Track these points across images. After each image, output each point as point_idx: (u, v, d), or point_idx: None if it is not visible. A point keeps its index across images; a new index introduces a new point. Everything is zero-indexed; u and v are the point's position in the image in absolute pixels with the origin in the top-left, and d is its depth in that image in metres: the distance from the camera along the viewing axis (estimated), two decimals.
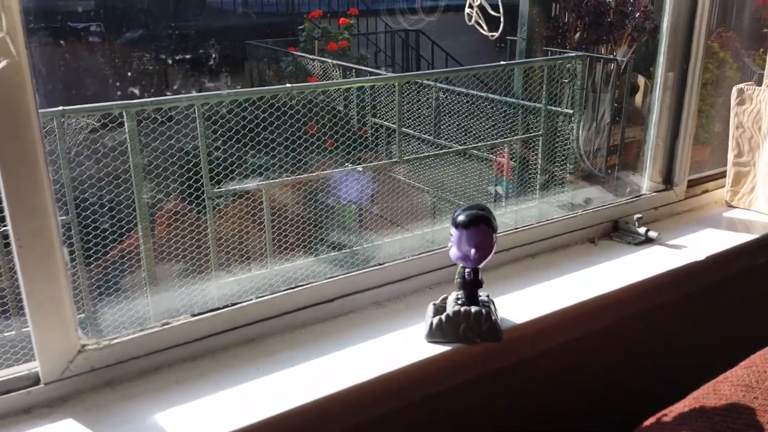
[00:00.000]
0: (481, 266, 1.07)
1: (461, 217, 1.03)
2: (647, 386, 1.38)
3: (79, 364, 0.97)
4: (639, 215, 1.47)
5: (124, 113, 3.10)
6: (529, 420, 1.28)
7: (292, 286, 1.13)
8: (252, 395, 0.97)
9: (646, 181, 1.64)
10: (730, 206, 1.68)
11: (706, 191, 1.70)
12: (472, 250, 1.02)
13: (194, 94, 3.60)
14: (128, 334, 1.00)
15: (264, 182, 3.54)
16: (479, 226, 1.02)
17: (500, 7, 1.01)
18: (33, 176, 0.87)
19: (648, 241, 1.45)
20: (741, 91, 1.60)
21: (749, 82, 1.60)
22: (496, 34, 1.01)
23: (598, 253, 1.41)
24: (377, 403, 1.04)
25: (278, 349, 1.07)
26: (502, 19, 1.02)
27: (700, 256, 1.40)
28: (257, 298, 1.10)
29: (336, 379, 1.00)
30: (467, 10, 0.99)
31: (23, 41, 0.80)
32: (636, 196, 1.57)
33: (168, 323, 1.03)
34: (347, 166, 4.12)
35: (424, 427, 1.13)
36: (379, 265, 1.21)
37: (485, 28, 1.01)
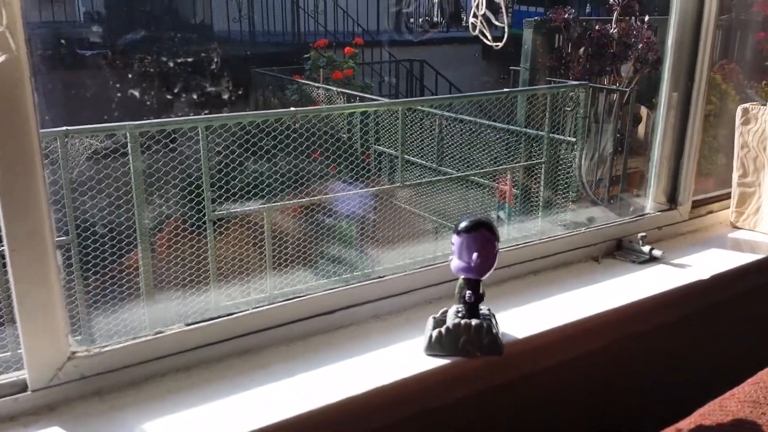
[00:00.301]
0: (483, 278, 1.05)
1: (463, 224, 1.01)
2: (648, 405, 1.35)
3: (69, 371, 0.94)
4: (643, 234, 1.45)
5: (128, 134, 3.11)
6: None
7: (290, 297, 1.11)
8: (245, 406, 0.95)
9: (650, 201, 1.63)
10: (735, 227, 1.66)
11: (711, 212, 1.69)
12: (474, 255, 1.00)
13: (198, 116, 3.61)
14: (120, 342, 0.98)
15: (265, 205, 3.53)
16: (480, 230, 1.00)
17: (505, 17, 1.01)
18: (29, 176, 0.86)
19: (652, 259, 1.43)
20: (746, 111, 1.59)
21: (754, 102, 1.60)
22: (500, 44, 1.00)
23: (601, 271, 1.39)
24: (374, 417, 1.01)
25: (274, 360, 1.05)
26: (506, 30, 1.01)
27: (705, 275, 1.37)
28: (253, 308, 1.07)
29: (331, 391, 0.97)
30: (471, 19, 0.99)
31: (23, 37, 0.80)
32: (640, 215, 1.55)
33: (161, 332, 1.00)
34: (350, 190, 4.11)
35: None
36: (380, 278, 1.19)
37: (489, 38, 1.01)
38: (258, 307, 1.07)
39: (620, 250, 1.47)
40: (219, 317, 1.04)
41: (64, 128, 2.98)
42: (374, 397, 0.99)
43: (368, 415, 1.00)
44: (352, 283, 1.16)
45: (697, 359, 1.47)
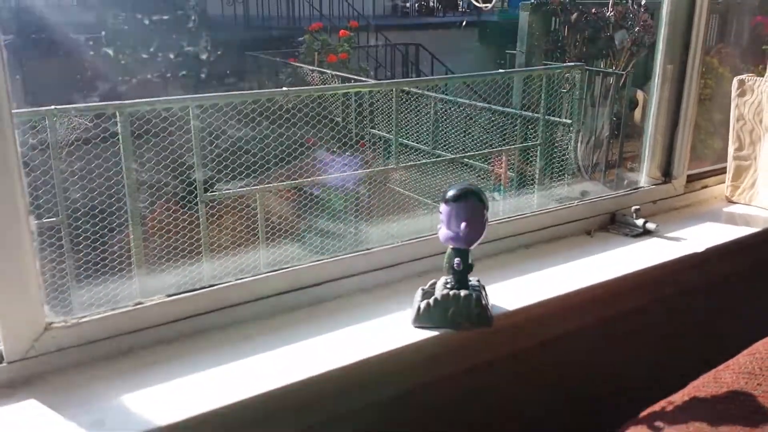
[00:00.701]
0: (472, 248, 1.02)
1: (451, 192, 0.99)
2: (643, 381, 1.33)
3: (46, 342, 0.91)
4: (637, 207, 1.43)
5: (117, 113, 3.07)
6: (522, 413, 1.23)
7: (275, 268, 1.08)
8: (226, 379, 0.92)
9: (644, 175, 1.60)
10: (731, 201, 1.63)
11: (706, 186, 1.66)
12: (463, 224, 0.97)
13: (189, 96, 3.58)
14: (98, 313, 0.95)
15: (258, 187, 3.50)
16: (469, 199, 0.98)
17: None
18: None
19: (646, 233, 1.40)
20: (742, 82, 1.57)
21: (750, 74, 1.57)
22: (489, 5, 0.96)
23: (594, 244, 1.37)
24: (360, 391, 0.98)
25: (257, 333, 1.02)
26: None
27: (700, 248, 1.35)
28: (237, 279, 1.05)
29: (315, 364, 0.95)
30: None
31: None
32: (634, 189, 1.53)
33: (141, 303, 0.98)
34: (343, 171, 4.08)
35: (411, 418, 1.08)
36: (367, 249, 1.17)
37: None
38: (241, 279, 1.05)
39: (614, 224, 1.44)
40: (201, 288, 1.02)
41: (53, 107, 2.94)
42: (360, 369, 0.96)
43: (354, 390, 0.98)
44: (339, 255, 1.13)
45: (693, 333, 1.46)
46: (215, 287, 1.02)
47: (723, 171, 1.67)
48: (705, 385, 0.97)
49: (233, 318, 1.03)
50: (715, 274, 1.43)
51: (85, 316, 0.94)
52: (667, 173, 1.58)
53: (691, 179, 1.63)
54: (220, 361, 0.95)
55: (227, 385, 0.90)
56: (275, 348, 0.99)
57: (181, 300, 1.00)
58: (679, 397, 0.96)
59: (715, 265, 1.41)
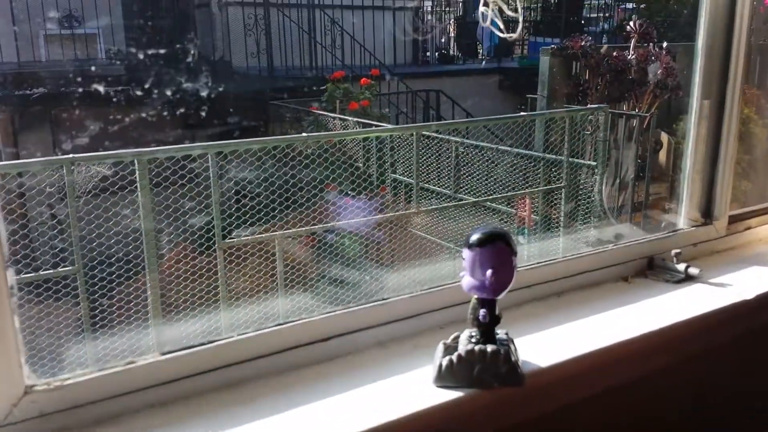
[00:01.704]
0: (499, 297, 0.92)
1: (475, 236, 0.89)
2: None
3: (25, 408, 0.82)
4: (677, 251, 1.32)
5: (135, 161, 3.04)
6: None
7: (281, 322, 0.99)
8: None
9: (682, 217, 1.49)
10: None
11: (749, 228, 1.54)
12: (489, 272, 0.87)
13: (208, 143, 3.56)
14: (85, 374, 0.86)
15: (278, 233, 3.42)
16: (496, 243, 0.88)
17: (518, 7, 0.90)
18: None
19: (688, 278, 1.29)
20: None
21: None
22: (514, 36, 0.89)
23: (632, 291, 1.25)
24: None
25: (260, 394, 0.92)
26: (520, 20, 0.90)
27: (749, 294, 1.23)
28: (239, 335, 0.95)
29: (325, 430, 0.84)
30: (482, 8, 0.88)
31: None
32: (672, 231, 1.42)
33: (133, 362, 0.88)
34: (364, 216, 4.00)
35: None
36: (383, 300, 1.07)
37: (502, 28, 0.90)
38: (244, 334, 0.95)
39: (652, 269, 1.33)
40: (199, 345, 0.92)
41: (70, 156, 2.92)
42: None
43: None
44: (352, 306, 1.04)
45: (745, 388, 1.32)
46: (215, 344, 0.93)
47: (767, 211, 1.56)
48: None
49: (234, 378, 0.94)
50: (765, 322, 1.30)
51: (69, 378, 0.85)
52: (707, 214, 1.46)
53: (733, 220, 1.51)
54: (219, 427, 0.85)
55: None
56: (280, 412, 0.89)
57: (176, 359, 0.90)
58: None
59: (766, 312, 1.28)
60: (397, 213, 4.36)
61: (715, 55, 1.43)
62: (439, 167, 5.16)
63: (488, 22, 0.94)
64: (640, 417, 1.18)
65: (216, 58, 9.55)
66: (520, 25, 0.94)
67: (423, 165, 5.10)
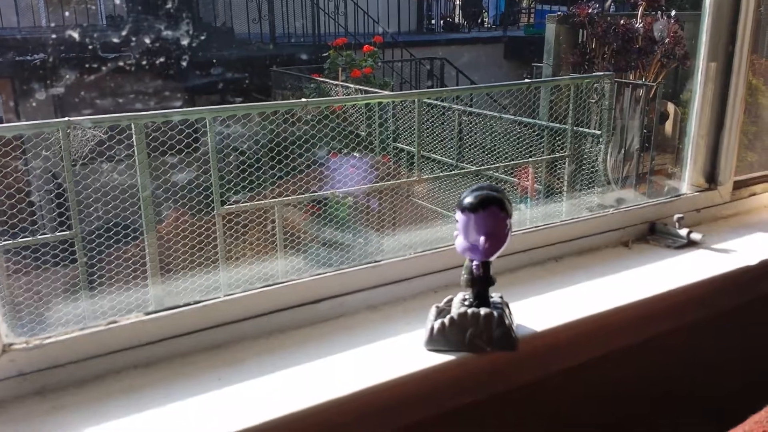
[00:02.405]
0: (492, 259, 0.89)
1: (468, 199, 0.85)
2: (690, 410, 1.18)
3: (4, 366, 0.80)
4: (680, 215, 1.28)
5: (132, 125, 3.00)
6: None
7: (270, 283, 0.96)
8: (211, 408, 0.80)
9: (686, 183, 1.45)
10: None
11: (754, 194, 1.51)
12: (482, 239, 0.84)
13: (205, 107, 3.51)
14: (66, 333, 0.84)
15: (276, 200, 3.39)
16: (489, 208, 0.84)
17: None
18: None
19: (690, 244, 1.25)
20: None
21: None
22: None
23: (633, 256, 1.22)
24: (364, 423, 0.85)
25: (248, 356, 0.90)
26: None
27: (753, 260, 1.20)
28: (226, 296, 0.93)
29: (313, 393, 0.82)
30: None
31: None
32: (675, 196, 1.38)
33: (115, 322, 0.86)
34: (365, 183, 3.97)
35: None
36: (375, 262, 1.04)
37: None
38: (231, 294, 0.93)
39: (654, 234, 1.29)
40: (184, 305, 0.90)
41: (66, 119, 2.88)
42: (364, 399, 0.84)
43: (357, 422, 0.85)
44: (343, 268, 1.01)
45: (747, 357, 1.30)
46: (201, 304, 0.91)
47: None
48: None
49: (221, 339, 0.91)
50: None
51: (50, 337, 0.83)
52: (711, 179, 1.43)
53: (737, 186, 1.47)
54: (204, 389, 0.83)
55: (212, 417, 0.78)
56: (268, 373, 0.86)
57: (160, 319, 0.88)
58: None
59: None
60: (399, 181, 4.32)
61: (723, 15, 1.38)
62: (442, 136, 5.10)
63: None
64: (637, 384, 1.16)
65: (218, 25, 9.44)
66: None
67: (426, 134, 5.05)
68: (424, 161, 4.94)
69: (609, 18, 6.49)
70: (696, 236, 1.25)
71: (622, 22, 6.39)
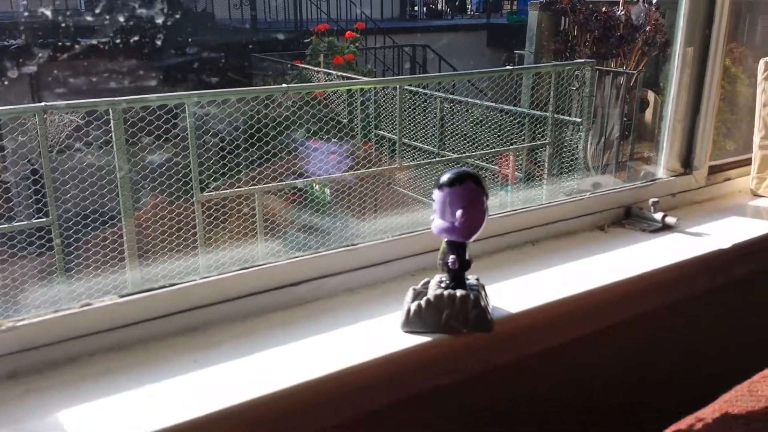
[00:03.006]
0: (470, 241, 0.89)
1: (445, 176, 0.86)
2: (662, 392, 1.20)
3: None
4: (655, 199, 1.30)
5: (110, 110, 2.96)
6: (525, 428, 1.09)
7: (247, 266, 0.96)
8: (186, 391, 0.80)
9: (662, 167, 1.47)
10: (756, 195, 1.50)
11: (729, 179, 1.53)
12: (459, 212, 0.84)
13: (184, 92, 3.47)
14: (39, 315, 0.83)
15: (256, 187, 3.38)
16: (465, 183, 0.85)
17: None
18: None
19: (665, 228, 1.27)
20: None
21: None
22: None
23: (608, 240, 1.23)
24: (341, 404, 0.86)
25: (224, 339, 0.90)
26: None
27: (726, 244, 1.22)
28: (202, 278, 0.92)
29: (289, 374, 0.82)
30: None
31: None
32: (651, 180, 1.39)
33: (89, 304, 0.85)
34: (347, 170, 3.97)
35: None
36: (353, 245, 1.04)
37: None
38: (207, 277, 0.92)
39: (629, 218, 1.31)
40: (160, 288, 0.89)
41: (42, 104, 2.83)
42: (341, 380, 0.84)
43: (334, 403, 0.85)
44: (321, 252, 1.01)
45: (720, 338, 1.32)
46: (176, 286, 0.90)
47: (747, 162, 1.54)
48: (738, 398, 0.83)
49: (197, 322, 0.91)
50: (741, 272, 1.29)
51: (23, 319, 0.82)
52: (687, 164, 1.44)
53: (712, 171, 1.49)
54: (180, 371, 0.83)
55: (186, 400, 0.78)
56: (244, 356, 0.86)
57: (136, 301, 0.87)
58: (708, 413, 0.83)
59: (742, 262, 1.27)
60: (380, 168, 4.32)
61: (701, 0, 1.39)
62: (424, 124, 5.10)
63: None
64: (613, 365, 1.18)
65: (198, 10, 9.33)
66: None
67: (407, 121, 5.05)
68: (405, 149, 4.94)
69: (591, 5, 6.51)
70: (671, 220, 1.26)
71: (603, 9, 6.41)
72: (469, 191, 0.85)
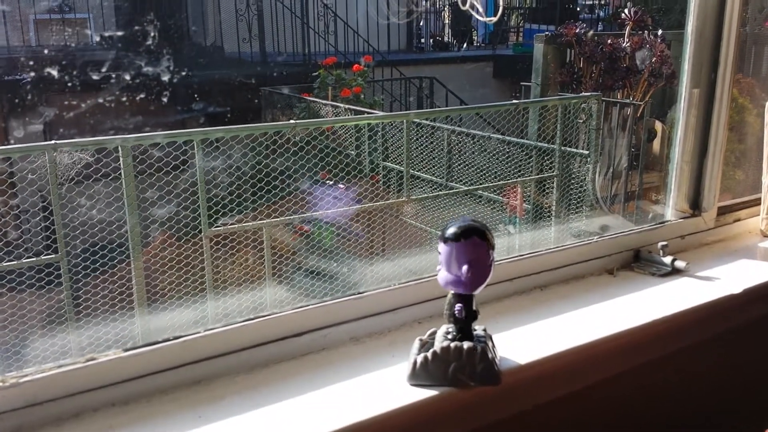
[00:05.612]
0: (476, 293, 0.88)
1: (450, 230, 0.85)
2: None
3: None
4: (664, 243, 1.28)
5: (120, 148, 2.99)
6: None
7: (251, 317, 0.95)
8: None
9: (670, 208, 1.46)
10: (766, 236, 1.48)
11: (738, 220, 1.51)
12: (464, 268, 0.84)
13: (193, 129, 3.50)
14: (43, 371, 0.82)
15: (264, 221, 3.38)
16: (471, 238, 0.84)
17: None
18: None
19: (675, 272, 1.26)
20: None
21: None
22: (494, 19, 0.85)
23: (617, 285, 1.22)
24: None
25: (228, 392, 0.89)
26: (501, 3, 0.86)
27: (737, 288, 1.20)
28: (206, 330, 0.92)
29: (296, 429, 0.81)
30: None
31: None
32: (660, 223, 1.38)
33: (94, 359, 0.85)
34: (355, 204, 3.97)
35: None
36: (359, 293, 1.03)
37: (482, 12, 0.85)
38: (212, 329, 0.92)
39: (638, 262, 1.30)
40: (164, 341, 0.89)
41: (52, 142, 2.86)
42: None
43: None
44: (326, 301, 1.00)
45: (735, 385, 1.29)
46: (180, 339, 0.89)
47: (757, 202, 1.53)
48: None
49: (201, 374, 0.90)
50: (753, 317, 1.27)
51: (26, 375, 0.81)
52: (695, 205, 1.43)
53: (722, 212, 1.48)
54: (183, 427, 0.82)
55: None
56: (248, 410, 0.85)
57: (140, 355, 0.87)
58: None
59: (754, 306, 1.26)
60: (388, 202, 4.32)
61: (705, 42, 1.39)
62: (431, 156, 5.12)
63: (467, 5, 0.89)
64: (622, 414, 1.15)
65: (207, 44, 9.46)
66: (501, 9, 0.90)
67: (415, 153, 5.07)
68: (413, 181, 4.95)
69: (596, 38, 6.56)
70: (680, 264, 1.25)
71: (609, 41, 6.45)
72: (474, 246, 0.84)
